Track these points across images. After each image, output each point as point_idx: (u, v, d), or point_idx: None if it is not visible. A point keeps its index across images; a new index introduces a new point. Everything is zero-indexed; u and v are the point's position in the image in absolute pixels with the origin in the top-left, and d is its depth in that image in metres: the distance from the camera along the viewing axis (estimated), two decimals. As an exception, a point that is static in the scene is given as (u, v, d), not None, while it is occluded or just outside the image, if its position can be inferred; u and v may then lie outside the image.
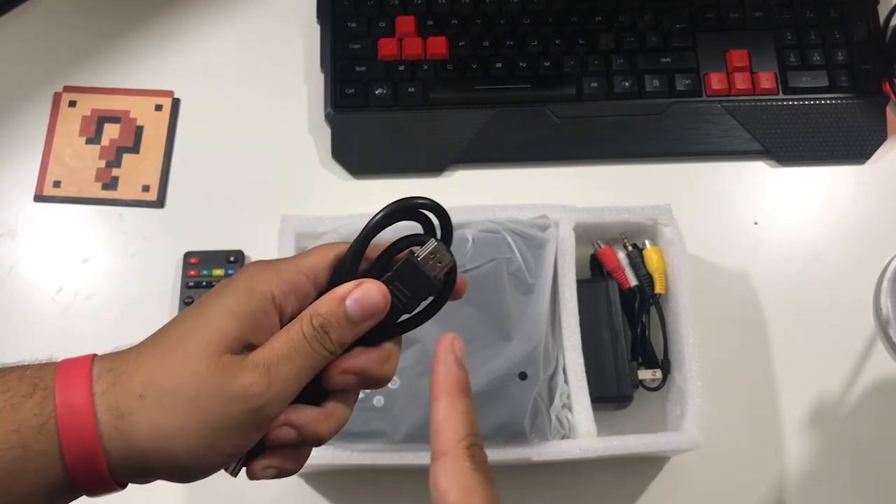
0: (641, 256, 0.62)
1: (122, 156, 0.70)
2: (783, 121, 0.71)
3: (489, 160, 0.71)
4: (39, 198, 0.69)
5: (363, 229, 0.37)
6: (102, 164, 0.70)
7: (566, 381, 0.58)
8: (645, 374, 0.61)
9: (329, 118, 0.71)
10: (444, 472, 0.37)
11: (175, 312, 0.64)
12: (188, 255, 0.66)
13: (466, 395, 0.39)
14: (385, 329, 0.38)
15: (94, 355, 0.35)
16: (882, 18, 0.74)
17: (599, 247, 0.63)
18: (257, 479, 0.37)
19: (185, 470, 0.35)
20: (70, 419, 0.33)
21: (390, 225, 0.37)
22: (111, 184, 0.70)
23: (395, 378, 0.56)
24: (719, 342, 0.65)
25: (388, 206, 0.37)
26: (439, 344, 0.40)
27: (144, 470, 0.34)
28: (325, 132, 0.71)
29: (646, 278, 0.62)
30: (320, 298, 0.37)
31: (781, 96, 0.72)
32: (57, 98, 0.72)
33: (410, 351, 0.56)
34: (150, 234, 0.68)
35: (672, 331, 0.61)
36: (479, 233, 0.59)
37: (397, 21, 0.72)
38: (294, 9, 0.75)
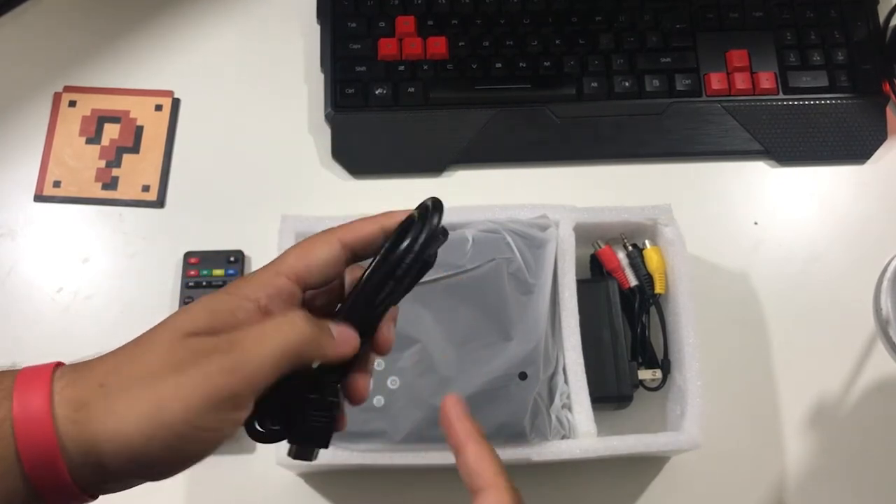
0: (641, 256, 0.62)
1: (122, 156, 0.70)
2: (783, 121, 0.71)
3: (489, 160, 0.71)
4: (39, 198, 0.69)
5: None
6: (102, 164, 0.70)
7: (566, 381, 0.58)
8: (645, 374, 0.61)
9: (329, 118, 0.71)
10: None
11: (175, 312, 0.64)
12: (188, 255, 0.66)
13: (488, 442, 0.40)
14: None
15: (60, 362, 0.34)
16: (882, 18, 0.74)
17: (599, 247, 0.63)
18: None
19: (142, 461, 0.32)
20: (26, 417, 0.31)
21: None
22: (111, 184, 0.70)
23: (395, 378, 0.56)
24: (719, 342, 0.65)
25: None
26: (445, 403, 0.40)
27: (100, 467, 0.32)
28: (325, 132, 0.71)
29: (646, 278, 0.62)
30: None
31: (781, 96, 0.72)
32: (57, 98, 0.72)
33: (410, 351, 0.56)
34: (150, 234, 0.68)
35: (672, 331, 0.61)
36: (479, 233, 0.59)
37: (397, 21, 0.72)
38: (294, 9, 0.75)
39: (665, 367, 0.61)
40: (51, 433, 0.31)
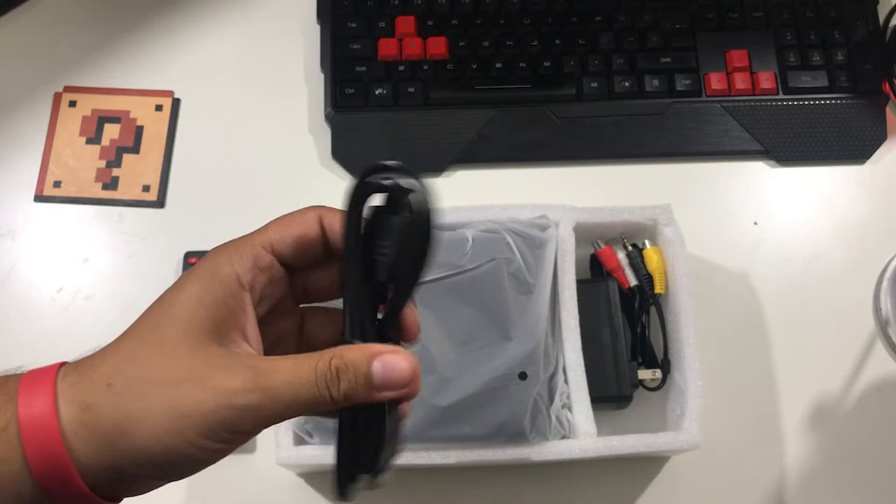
0: (641, 256, 0.62)
1: (122, 156, 0.70)
2: (783, 121, 0.71)
3: (489, 160, 0.71)
4: (39, 198, 0.69)
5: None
6: (102, 164, 0.70)
7: (566, 381, 0.58)
8: (645, 374, 0.61)
9: (329, 118, 0.71)
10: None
11: (175, 312, 0.64)
12: (188, 255, 0.66)
13: None
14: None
15: (63, 362, 0.34)
16: (882, 18, 0.74)
17: (599, 247, 0.63)
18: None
19: (155, 460, 0.32)
20: (31, 419, 0.31)
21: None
22: (111, 184, 0.70)
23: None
24: (719, 342, 0.65)
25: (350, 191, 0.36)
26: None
27: (115, 466, 0.32)
28: (325, 132, 0.71)
29: (646, 278, 0.62)
30: (352, 347, 0.34)
31: (781, 96, 0.72)
32: (57, 98, 0.72)
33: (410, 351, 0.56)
34: (150, 234, 0.68)
35: (672, 331, 0.61)
36: (479, 233, 0.59)
37: (397, 21, 0.72)
38: (294, 9, 0.75)
39: (665, 366, 0.61)
40: (57, 436, 0.31)
